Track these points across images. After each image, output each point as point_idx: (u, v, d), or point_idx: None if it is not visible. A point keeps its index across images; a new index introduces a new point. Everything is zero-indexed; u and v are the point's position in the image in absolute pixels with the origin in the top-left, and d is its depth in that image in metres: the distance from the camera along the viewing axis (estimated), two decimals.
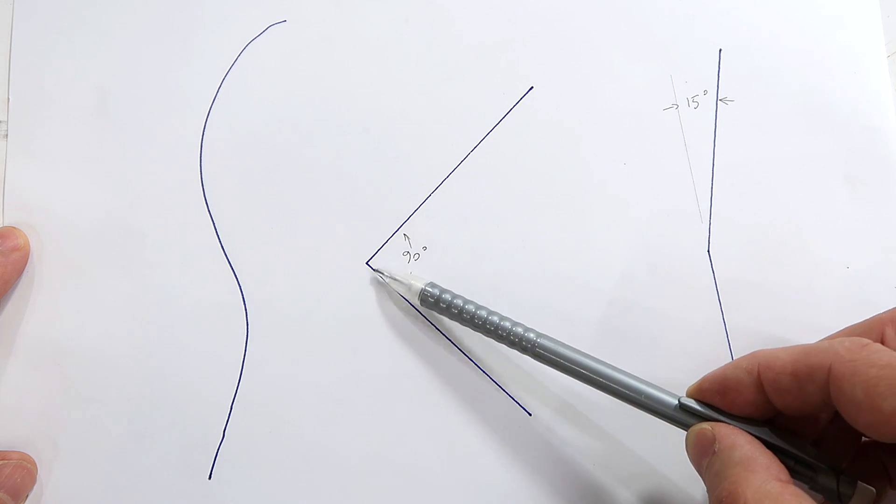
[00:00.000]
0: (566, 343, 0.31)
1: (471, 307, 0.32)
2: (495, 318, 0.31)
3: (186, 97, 0.37)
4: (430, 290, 0.33)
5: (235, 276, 0.35)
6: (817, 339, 0.29)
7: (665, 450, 0.33)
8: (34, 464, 0.34)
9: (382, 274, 0.34)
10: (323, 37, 0.37)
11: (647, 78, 0.36)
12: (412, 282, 0.33)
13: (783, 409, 0.26)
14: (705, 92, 0.36)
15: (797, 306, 0.34)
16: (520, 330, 0.31)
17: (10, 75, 0.37)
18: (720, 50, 0.36)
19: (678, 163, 0.36)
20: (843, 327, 0.30)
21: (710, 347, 0.34)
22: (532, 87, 0.36)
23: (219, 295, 0.35)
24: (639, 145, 0.36)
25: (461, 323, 0.32)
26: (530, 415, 0.34)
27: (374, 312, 0.35)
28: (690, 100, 0.36)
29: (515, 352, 0.32)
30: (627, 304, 0.35)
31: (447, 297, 0.32)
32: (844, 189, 0.35)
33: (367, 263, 0.35)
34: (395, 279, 0.34)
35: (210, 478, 0.34)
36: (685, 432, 0.28)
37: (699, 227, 0.35)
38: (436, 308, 0.33)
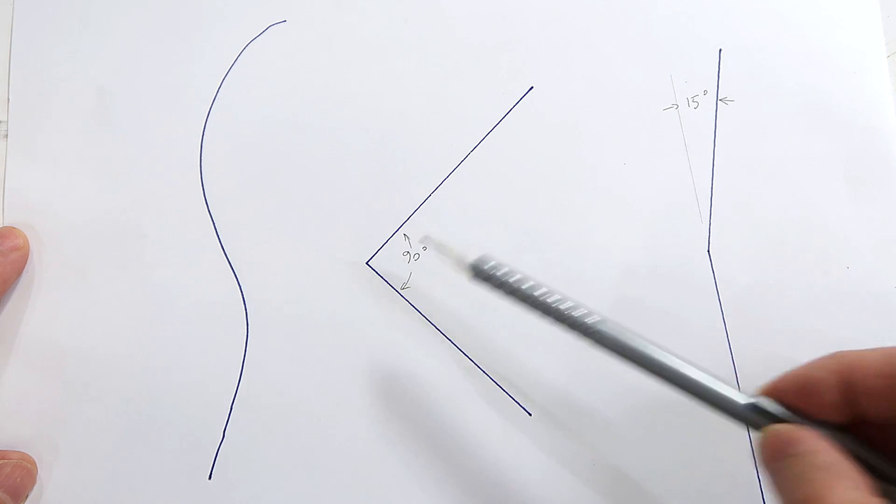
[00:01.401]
0: (629, 329, 0.28)
1: (527, 284, 0.29)
2: (553, 299, 0.29)
3: (186, 97, 0.37)
4: (483, 262, 0.30)
5: (235, 276, 0.35)
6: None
7: (666, 450, 0.33)
8: (34, 464, 0.34)
9: (432, 242, 0.33)
10: (323, 37, 0.37)
11: (647, 78, 0.36)
12: (463, 255, 0.31)
13: (870, 415, 0.25)
14: (705, 92, 0.36)
15: (797, 306, 0.34)
16: (579, 313, 0.28)
17: (10, 75, 0.37)
18: (720, 50, 0.36)
19: (678, 163, 0.36)
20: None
21: (710, 347, 0.34)
22: (532, 87, 0.36)
23: (219, 295, 0.35)
24: (639, 145, 0.36)
25: (513, 299, 0.30)
26: (530, 415, 0.34)
27: (374, 312, 0.35)
28: (690, 100, 0.36)
29: (515, 352, 0.32)
30: (627, 303, 0.35)
31: (503, 270, 0.30)
32: (844, 189, 0.35)
33: (367, 263, 0.35)
34: (446, 249, 0.32)
35: (210, 478, 0.34)
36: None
37: (699, 227, 0.35)
38: (490, 281, 0.30)
